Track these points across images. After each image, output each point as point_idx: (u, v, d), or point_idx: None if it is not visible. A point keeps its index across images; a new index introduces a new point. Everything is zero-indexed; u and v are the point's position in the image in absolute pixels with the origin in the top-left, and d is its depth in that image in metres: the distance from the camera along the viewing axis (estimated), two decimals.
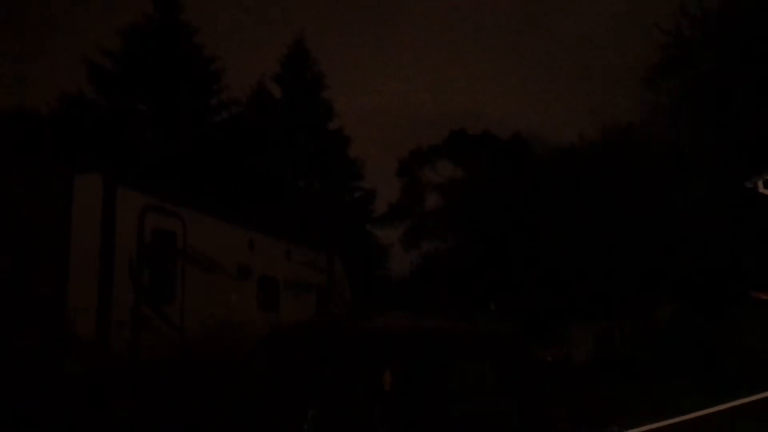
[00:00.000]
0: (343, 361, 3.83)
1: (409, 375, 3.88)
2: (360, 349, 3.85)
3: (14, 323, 7.53)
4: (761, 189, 14.64)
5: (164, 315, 9.20)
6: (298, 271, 14.69)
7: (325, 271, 16.37)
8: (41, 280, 7.83)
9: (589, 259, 25.20)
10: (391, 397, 3.87)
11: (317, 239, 17.60)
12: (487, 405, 3.71)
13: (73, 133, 20.88)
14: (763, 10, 20.08)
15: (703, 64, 22.24)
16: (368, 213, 34.67)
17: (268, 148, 26.04)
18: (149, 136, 21.38)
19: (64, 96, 23.38)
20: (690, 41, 22.06)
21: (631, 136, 25.74)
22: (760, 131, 19.24)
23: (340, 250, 18.12)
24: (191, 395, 6.02)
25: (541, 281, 28.38)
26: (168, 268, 9.56)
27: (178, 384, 8.34)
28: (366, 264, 29.08)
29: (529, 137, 36.98)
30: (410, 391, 3.82)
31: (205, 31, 26.14)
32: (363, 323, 4.62)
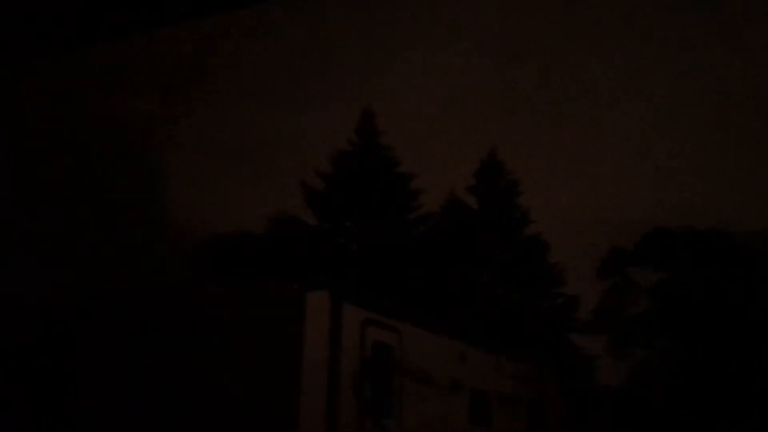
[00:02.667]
0: None
1: None
2: None
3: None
4: None
5: (384, 431, 9.20)
6: (509, 385, 14.10)
7: (536, 385, 15.57)
8: (275, 395, 8.21)
9: None
10: None
11: (526, 350, 16.96)
12: None
13: (287, 251, 22.73)
14: None
15: None
16: (572, 321, 32.98)
17: (466, 257, 26.30)
18: (355, 252, 22.68)
19: (275, 216, 25.75)
20: None
21: None
22: None
23: (550, 362, 17.23)
24: None
25: None
26: (386, 382, 9.66)
27: None
28: (574, 376, 27.38)
29: (738, 230, 33.44)
30: None
31: (402, 150, 27.73)
32: None
